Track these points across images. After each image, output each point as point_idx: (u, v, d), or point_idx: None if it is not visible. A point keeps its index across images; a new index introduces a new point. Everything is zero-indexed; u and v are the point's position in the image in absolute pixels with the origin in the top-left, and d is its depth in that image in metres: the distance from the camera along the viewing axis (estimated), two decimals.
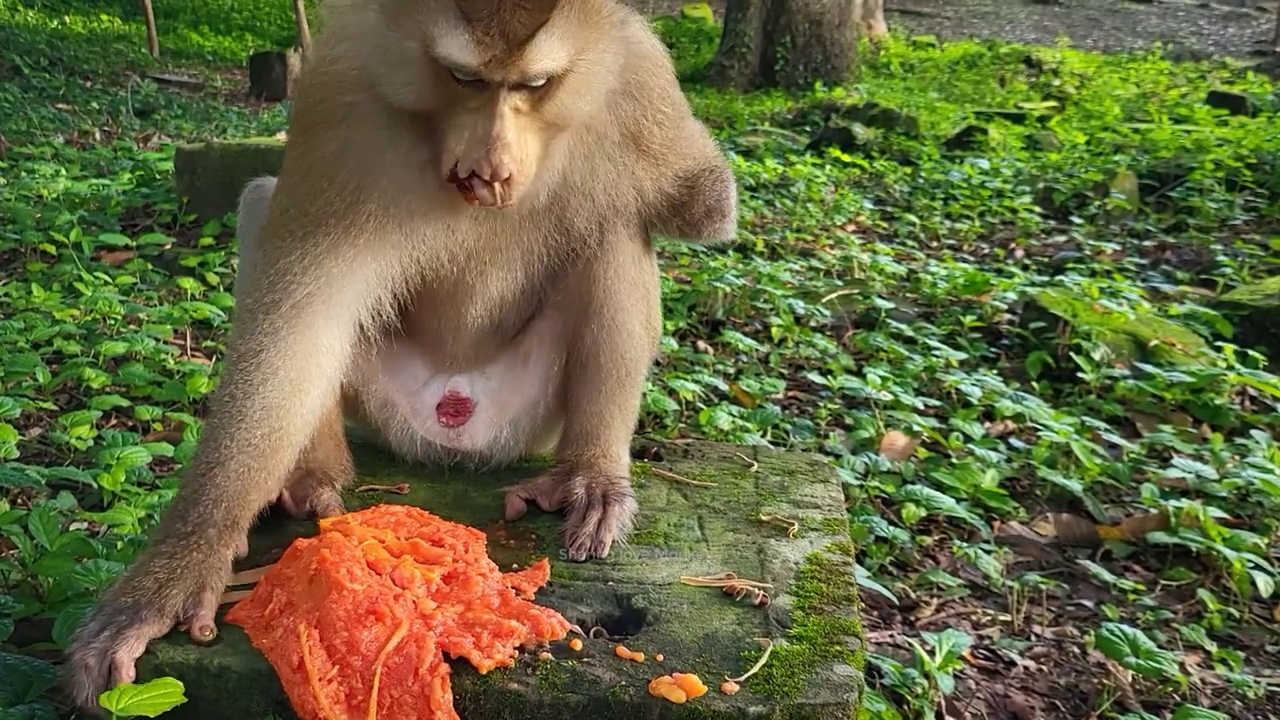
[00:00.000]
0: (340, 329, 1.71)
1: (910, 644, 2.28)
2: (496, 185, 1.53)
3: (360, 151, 1.66)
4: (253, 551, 1.67)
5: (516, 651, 1.41)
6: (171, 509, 1.64)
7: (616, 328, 1.87)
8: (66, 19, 15.73)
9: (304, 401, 1.68)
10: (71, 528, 2.51)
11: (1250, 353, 3.99)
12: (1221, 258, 5.53)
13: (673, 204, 1.91)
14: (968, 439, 3.34)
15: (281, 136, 6.21)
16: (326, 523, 1.67)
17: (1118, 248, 5.97)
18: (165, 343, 3.78)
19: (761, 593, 1.57)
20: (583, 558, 1.68)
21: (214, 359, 3.77)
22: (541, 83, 1.52)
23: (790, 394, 3.80)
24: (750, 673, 1.38)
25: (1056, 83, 13.64)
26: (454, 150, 1.54)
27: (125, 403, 3.26)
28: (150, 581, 1.52)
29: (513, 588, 1.54)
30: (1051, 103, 12.32)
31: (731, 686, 1.35)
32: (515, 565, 1.63)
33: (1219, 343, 4.12)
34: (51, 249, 4.86)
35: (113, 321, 3.96)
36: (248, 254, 1.85)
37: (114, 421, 3.26)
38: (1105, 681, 2.27)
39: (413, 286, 1.77)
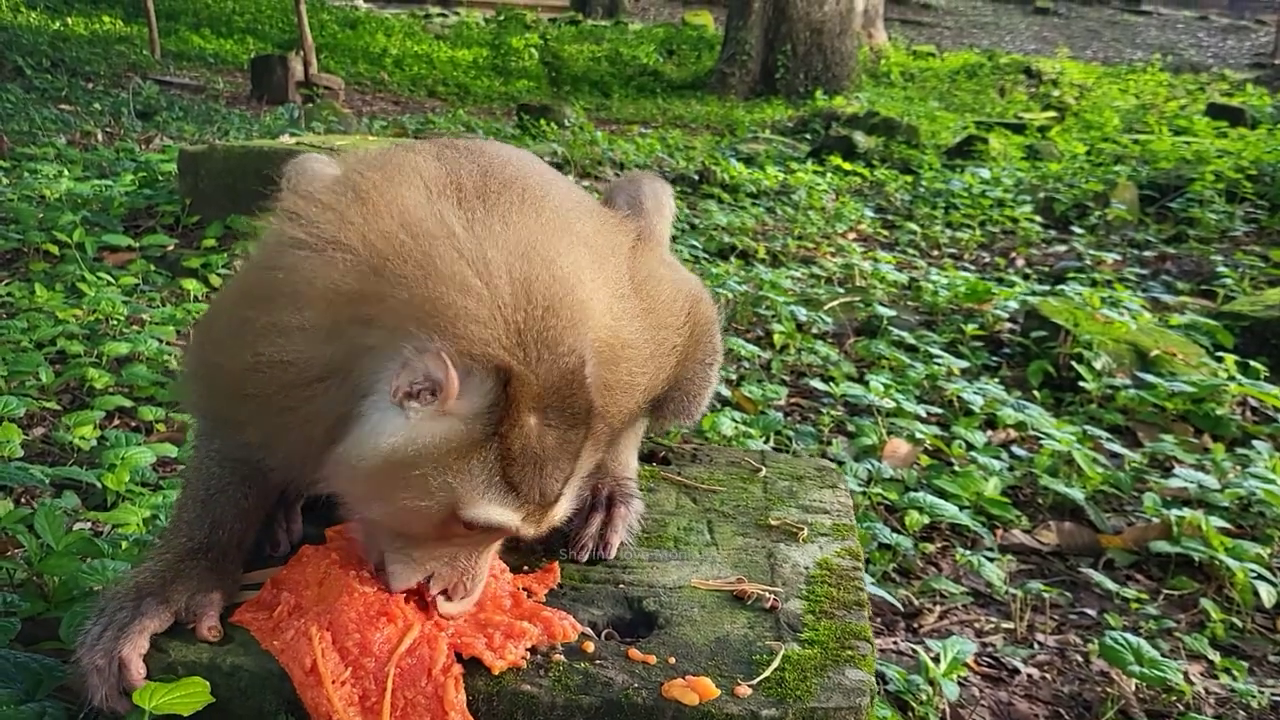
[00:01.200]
0: None
1: (914, 650, 2.29)
2: (460, 603, 1.44)
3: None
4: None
5: (529, 653, 1.41)
6: (173, 527, 1.61)
7: None
8: (69, 20, 15.73)
9: None
10: (75, 527, 2.51)
11: (1251, 363, 4.01)
12: (1222, 269, 5.54)
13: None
14: (970, 447, 3.34)
15: (285, 139, 6.21)
16: (333, 530, 1.67)
17: (1118, 258, 5.99)
18: (168, 344, 3.78)
19: (772, 597, 1.57)
20: (584, 559, 1.68)
21: None
22: None
23: (792, 400, 3.81)
24: (763, 676, 1.39)
25: (1056, 93, 13.70)
26: (422, 566, 1.41)
27: (128, 403, 3.26)
28: (153, 578, 1.50)
29: (524, 589, 1.55)
30: (1051, 113, 12.36)
31: (744, 690, 1.36)
32: (525, 567, 1.64)
33: (1220, 353, 4.14)
34: (54, 249, 4.86)
35: (115, 322, 3.96)
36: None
37: (117, 422, 3.25)
38: (1109, 690, 2.28)
39: None
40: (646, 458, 2.08)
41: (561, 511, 1.41)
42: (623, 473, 1.88)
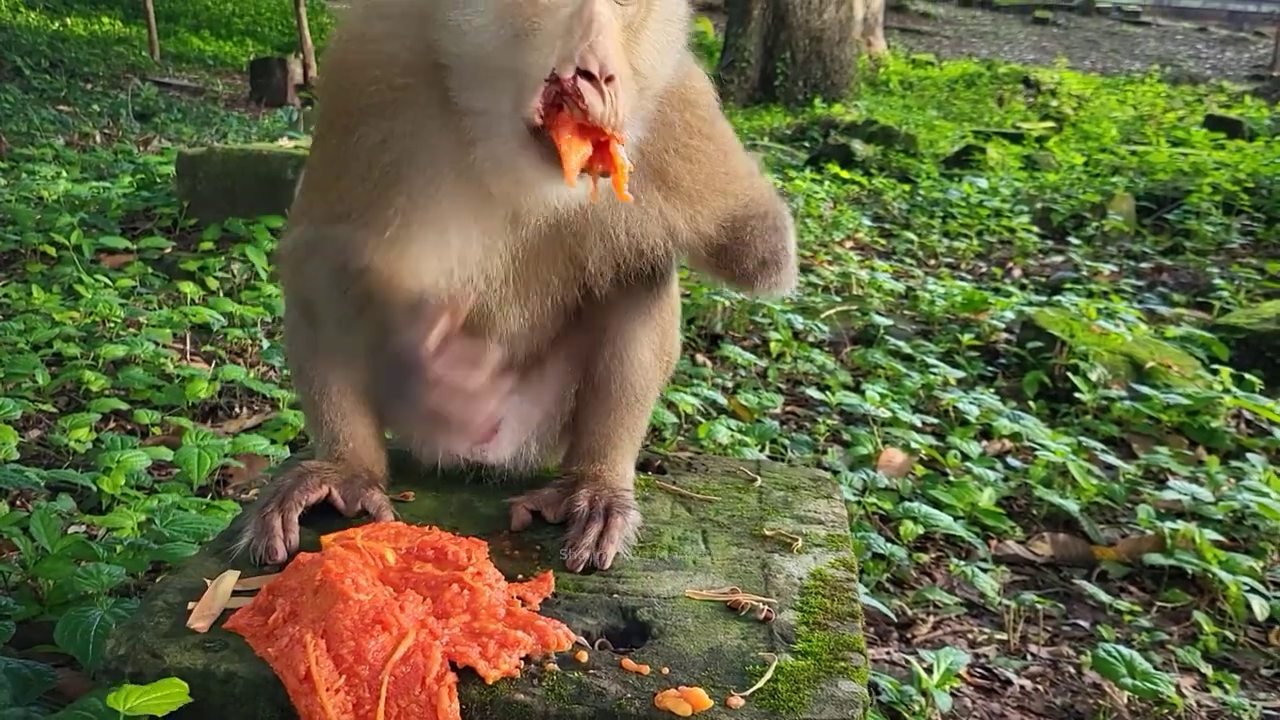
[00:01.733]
0: None
1: (907, 661, 2.29)
2: (606, 93, 1.37)
3: (404, 144, 1.62)
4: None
5: (522, 662, 1.41)
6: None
7: (627, 359, 1.87)
8: (68, 21, 15.73)
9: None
10: (70, 530, 2.51)
11: (1246, 376, 4.02)
12: (1218, 281, 5.56)
13: (717, 250, 1.81)
14: (965, 457, 3.35)
15: (283, 142, 6.22)
16: (329, 538, 1.67)
17: (1115, 269, 6.00)
18: (165, 346, 3.78)
19: (766, 608, 1.57)
20: (579, 569, 1.68)
21: (213, 364, 3.77)
22: None
23: (788, 409, 3.81)
24: (756, 687, 1.39)
25: (1054, 103, 13.70)
26: (544, 65, 1.39)
27: (124, 406, 3.26)
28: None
29: (518, 598, 1.55)
30: (1049, 123, 12.37)
31: (737, 701, 1.36)
32: (520, 576, 1.64)
33: (1215, 365, 4.15)
34: (52, 251, 4.86)
35: (112, 324, 3.96)
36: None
37: (113, 424, 3.26)
38: (1101, 702, 2.28)
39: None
40: (642, 467, 2.08)
41: None
42: (620, 484, 1.88)
